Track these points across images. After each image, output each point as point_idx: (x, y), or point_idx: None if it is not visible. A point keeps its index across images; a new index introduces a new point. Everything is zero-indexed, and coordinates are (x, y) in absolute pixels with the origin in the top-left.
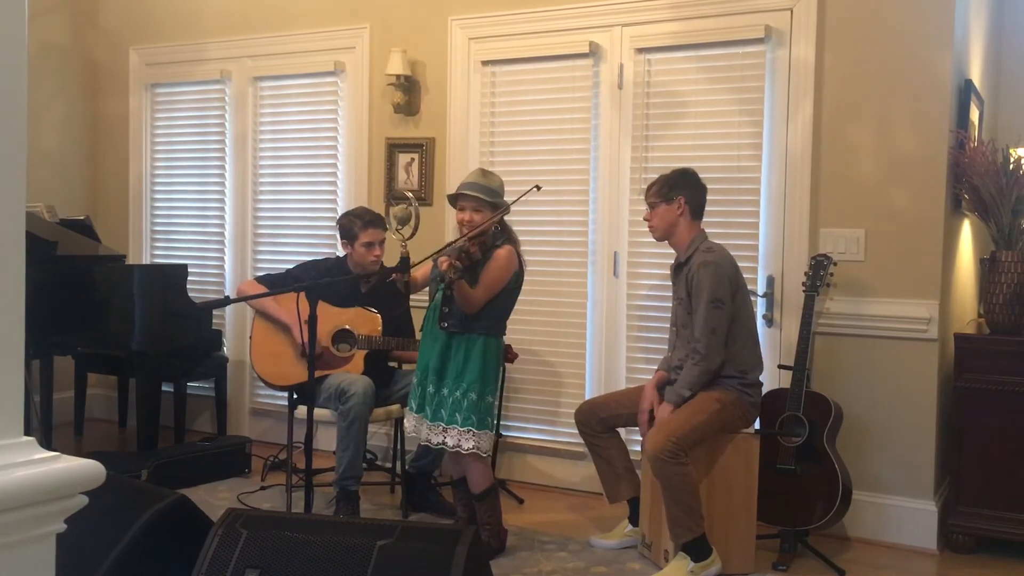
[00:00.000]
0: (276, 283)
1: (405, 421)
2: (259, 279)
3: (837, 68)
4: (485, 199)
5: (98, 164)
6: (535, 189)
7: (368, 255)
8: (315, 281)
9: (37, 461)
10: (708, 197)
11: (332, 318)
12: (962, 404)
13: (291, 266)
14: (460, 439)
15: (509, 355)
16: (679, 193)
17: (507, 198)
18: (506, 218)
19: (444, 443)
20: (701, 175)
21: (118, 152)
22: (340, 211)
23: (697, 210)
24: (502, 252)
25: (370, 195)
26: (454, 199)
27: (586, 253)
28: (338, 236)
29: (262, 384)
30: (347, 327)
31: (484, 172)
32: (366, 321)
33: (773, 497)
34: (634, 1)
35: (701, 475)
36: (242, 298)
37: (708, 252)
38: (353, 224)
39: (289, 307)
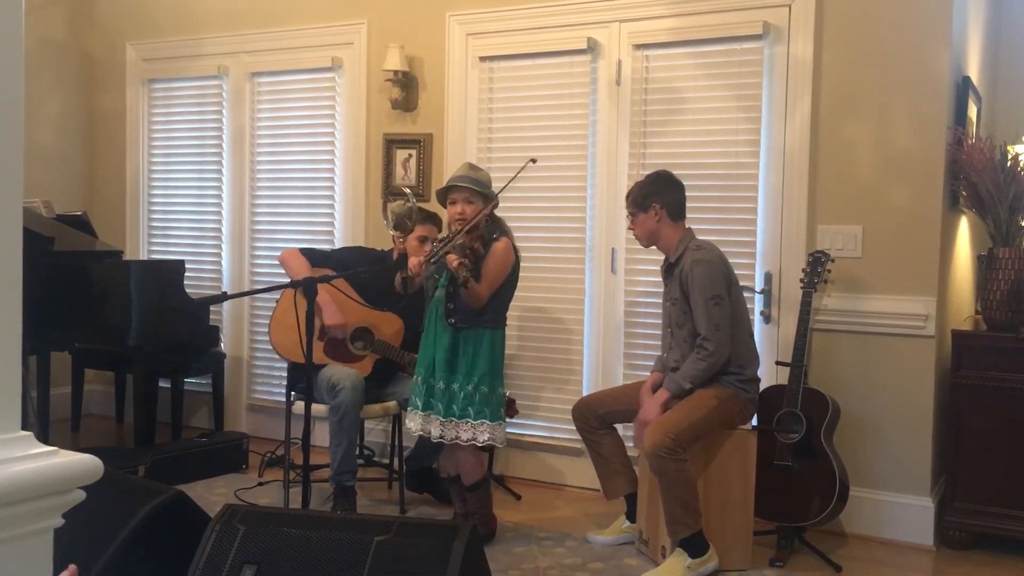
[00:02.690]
0: (317, 260)
1: (408, 421)
2: (302, 251)
3: (835, 65)
4: (476, 189)
5: (95, 160)
6: (531, 163)
7: (420, 250)
8: (311, 278)
9: (35, 456)
10: (706, 194)
11: (359, 315)
12: (959, 401)
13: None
14: (475, 432)
15: (511, 410)
16: (652, 200)
17: (497, 186)
18: (503, 211)
19: (458, 438)
20: (698, 171)
21: (115, 148)
22: (338, 207)
23: (676, 211)
24: (500, 245)
25: (368, 191)
26: (444, 193)
27: (584, 249)
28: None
29: (260, 377)
30: (368, 327)
31: (472, 166)
32: (388, 327)
33: (770, 493)
34: None
35: (699, 471)
36: (239, 294)
37: (698, 250)
38: (410, 218)
39: (322, 291)
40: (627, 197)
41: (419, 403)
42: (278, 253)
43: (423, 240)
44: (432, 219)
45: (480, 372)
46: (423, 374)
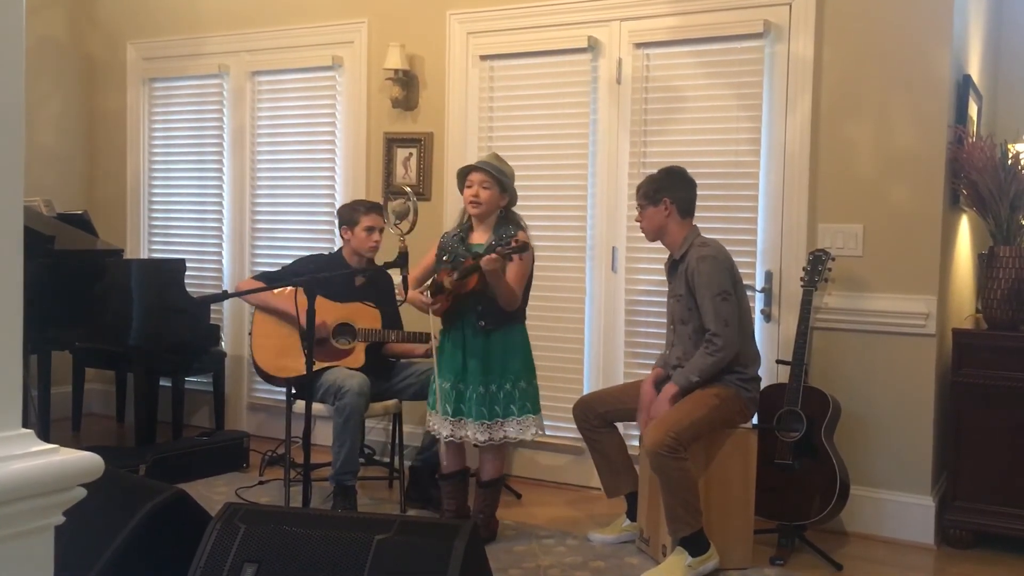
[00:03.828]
0: (274, 279)
1: (433, 425)
2: (256, 277)
3: (836, 63)
4: (494, 175)
5: (96, 159)
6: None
7: (368, 240)
8: (312, 275)
9: (36, 453)
10: (706, 192)
11: (332, 312)
12: (960, 400)
13: (288, 262)
14: (522, 428)
15: None
16: (664, 194)
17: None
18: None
19: (506, 436)
20: (699, 170)
21: (116, 147)
22: (338, 206)
23: (686, 208)
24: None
25: (368, 190)
26: (464, 175)
27: (584, 248)
28: (337, 224)
29: (260, 379)
30: (347, 321)
31: (498, 156)
32: (365, 315)
33: (771, 492)
34: None
35: (699, 470)
36: (240, 292)
37: (703, 247)
38: (355, 210)
39: (289, 300)
40: (638, 189)
41: (448, 409)
42: (279, 251)
43: (370, 230)
44: (377, 208)
45: (516, 369)
46: (452, 380)
